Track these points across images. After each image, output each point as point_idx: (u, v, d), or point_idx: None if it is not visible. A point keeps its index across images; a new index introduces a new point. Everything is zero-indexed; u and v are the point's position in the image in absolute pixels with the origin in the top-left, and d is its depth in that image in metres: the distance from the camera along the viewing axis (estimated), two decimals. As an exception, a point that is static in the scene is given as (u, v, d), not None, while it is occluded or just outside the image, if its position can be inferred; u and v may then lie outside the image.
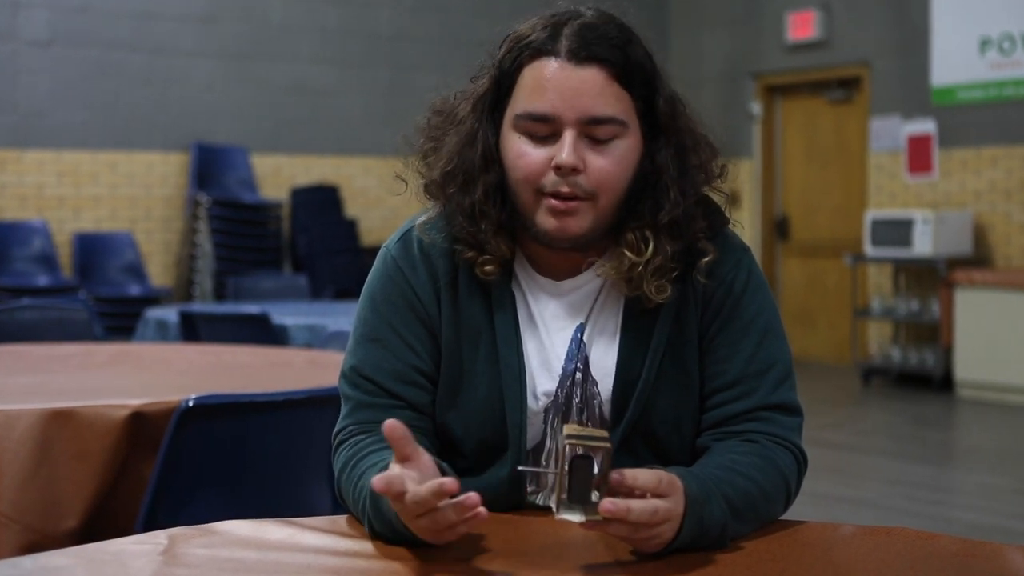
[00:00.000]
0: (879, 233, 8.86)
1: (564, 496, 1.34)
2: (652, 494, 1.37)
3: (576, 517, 1.34)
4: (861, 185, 9.75)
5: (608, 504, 1.33)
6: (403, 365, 1.62)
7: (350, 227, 9.31)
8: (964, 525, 4.94)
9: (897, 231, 8.73)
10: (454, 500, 1.34)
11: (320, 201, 9.22)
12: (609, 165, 1.56)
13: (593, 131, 1.55)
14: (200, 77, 8.88)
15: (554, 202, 1.56)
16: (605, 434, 1.37)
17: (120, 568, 1.35)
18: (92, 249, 8.36)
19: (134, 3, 8.60)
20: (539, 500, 1.64)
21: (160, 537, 1.44)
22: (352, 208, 9.49)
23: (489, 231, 1.60)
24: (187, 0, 8.81)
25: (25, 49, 8.21)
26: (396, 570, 1.38)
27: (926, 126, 9.13)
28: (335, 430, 1.64)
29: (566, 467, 1.34)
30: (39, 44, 8.26)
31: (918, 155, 9.20)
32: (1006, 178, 8.79)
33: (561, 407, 1.63)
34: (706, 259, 1.62)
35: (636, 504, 1.35)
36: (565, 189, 1.55)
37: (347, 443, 1.61)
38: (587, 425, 1.60)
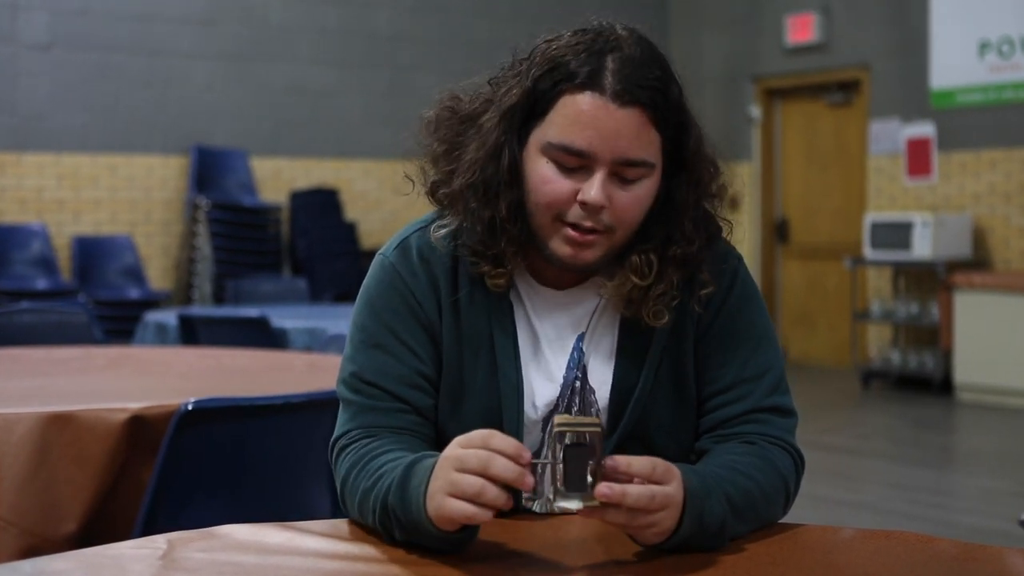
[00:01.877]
0: (878, 236, 8.87)
1: (560, 485, 1.34)
2: (647, 480, 1.37)
3: (573, 505, 1.35)
4: (860, 188, 9.75)
5: (604, 488, 1.33)
6: (407, 369, 1.61)
7: (350, 230, 9.31)
8: (964, 528, 4.93)
9: (896, 234, 8.74)
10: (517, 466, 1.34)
11: (320, 204, 9.22)
12: (633, 203, 1.55)
13: (623, 171, 1.54)
14: (199, 79, 8.89)
15: (573, 233, 1.56)
16: (596, 420, 1.37)
17: (119, 572, 1.35)
18: (91, 252, 8.36)
19: (133, 5, 8.61)
20: (536, 507, 1.64)
21: (159, 541, 1.44)
22: (352, 211, 9.49)
23: (509, 248, 1.59)
24: (186, 2, 8.82)
25: (25, 52, 8.22)
26: (395, 573, 1.38)
27: (925, 129, 9.13)
28: (334, 436, 1.62)
29: (559, 456, 1.34)
30: (39, 47, 8.26)
31: (917, 158, 9.20)
32: (1005, 181, 8.79)
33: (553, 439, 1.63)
34: (705, 291, 1.63)
35: (633, 489, 1.35)
36: (588, 224, 1.55)
37: (351, 447, 1.58)
38: (592, 414, 1.61)
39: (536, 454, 1.64)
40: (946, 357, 8.49)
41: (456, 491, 1.35)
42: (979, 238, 8.86)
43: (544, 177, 1.55)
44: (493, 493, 1.34)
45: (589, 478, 1.34)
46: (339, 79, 9.45)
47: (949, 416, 7.96)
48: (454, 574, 1.36)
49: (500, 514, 1.58)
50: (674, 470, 1.41)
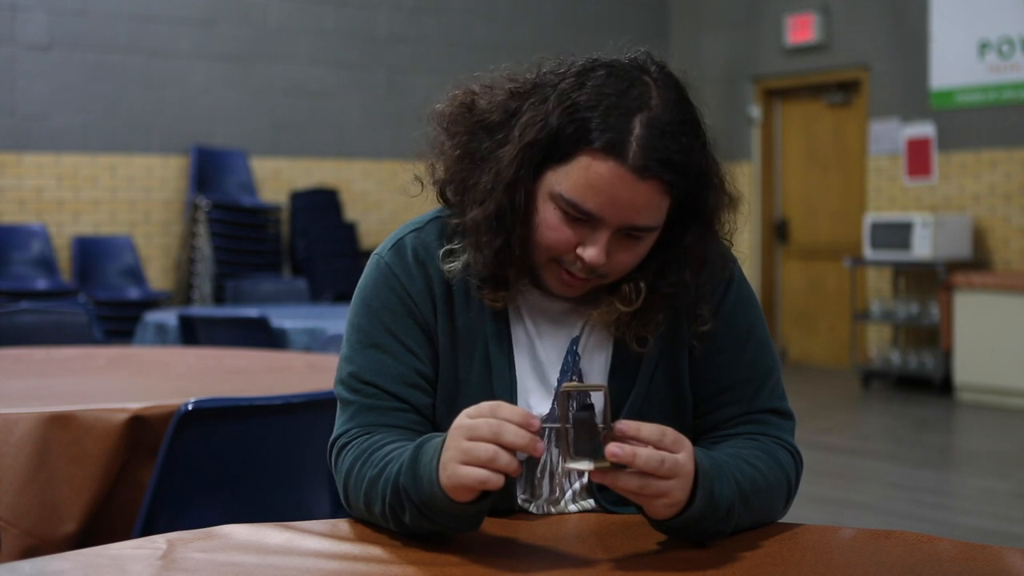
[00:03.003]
0: (878, 236, 8.87)
1: (570, 447, 1.35)
2: (655, 447, 1.38)
3: (584, 466, 1.36)
4: (860, 188, 9.75)
5: (615, 448, 1.34)
6: (405, 368, 1.61)
7: (349, 230, 9.31)
8: (964, 529, 4.93)
9: (896, 234, 8.74)
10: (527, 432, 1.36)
11: (319, 204, 9.22)
12: (631, 259, 1.56)
13: (629, 232, 1.53)
14: (198, 80, 8.88)
15: (567, 277, 1.57)
16: (602, 385, 1.39)
17: (119, 572, 1.35)
18: (91, 252, 8.36)
19: (132, 6, 8.61)
20: (533, 509, 1.64)
21: (159, 541, 1.44)
22: (351, 211, 9.49)
23: (516, 280, 1.60)
24: (185, 2, 8.82)
25: (24, 52, 8.22)
26: (395, 573, 1.38)
27: (925, 129, 9.13)
28: (333, 436, 1.62)
29: (569, 418, 1.35)
30: (38, 47, 8.26)
31: (917, 158, 9.20)
32: (1005, 181, 8.79)
33: (555, 418, 1.63)
34: (704, 327, 1.63)
35: (643, 451, 1.36)
36: (583, 276, 1.56)
37: (351, 445, 1.58)
38: None
39: (531, 458, 1.64)
40: (946, 357, 8.49)
41: (469, 458, 1.36)
42: (979, 238, 8.86)
43: (549, 223, 1.54)
44: (506, 459, 1.35)
45: (599, 440, 1.35)
46: (338, 80, 9.45)
47: (949, 416, 7.96)
48: (455, 573, 1.36)
49: (500, 514, 1.59)
50: (685, 440, 1.42)
